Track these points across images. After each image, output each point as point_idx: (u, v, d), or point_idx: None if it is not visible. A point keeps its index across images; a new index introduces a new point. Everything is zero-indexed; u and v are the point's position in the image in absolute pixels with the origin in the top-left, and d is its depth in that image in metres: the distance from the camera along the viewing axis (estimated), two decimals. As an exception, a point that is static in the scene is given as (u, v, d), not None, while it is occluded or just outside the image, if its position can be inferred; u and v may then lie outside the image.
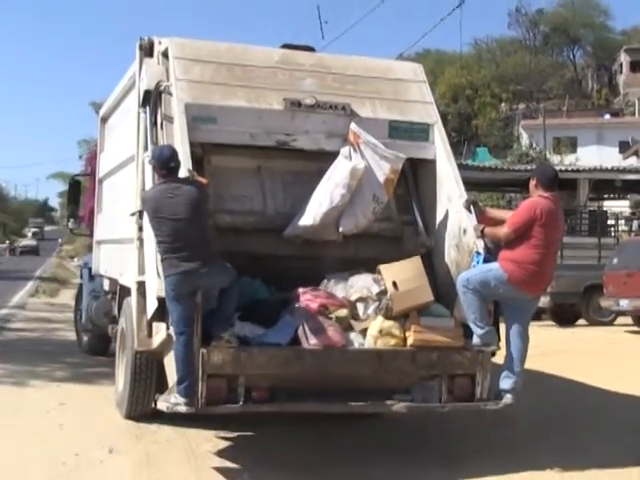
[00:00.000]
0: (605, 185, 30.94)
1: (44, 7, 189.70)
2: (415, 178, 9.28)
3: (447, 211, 8.67)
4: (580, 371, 12.75)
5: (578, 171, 30.12)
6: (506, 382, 7.81)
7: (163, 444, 8.40)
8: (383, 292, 7.83)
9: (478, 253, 7.87)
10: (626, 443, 8.67)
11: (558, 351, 15.37)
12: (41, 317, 21.11)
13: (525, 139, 58.82)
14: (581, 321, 22.07)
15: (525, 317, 8.05)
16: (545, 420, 9.68)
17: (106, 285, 12.11)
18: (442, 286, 8.28)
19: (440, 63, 72.78)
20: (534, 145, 53.28)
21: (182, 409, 7.12)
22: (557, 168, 29.06)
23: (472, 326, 7.70)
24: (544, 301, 21.81)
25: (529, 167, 29.56)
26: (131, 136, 9.16)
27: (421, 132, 9.14)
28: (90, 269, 13.66)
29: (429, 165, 9.10)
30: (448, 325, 7.81)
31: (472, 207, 8.28)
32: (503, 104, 70.01)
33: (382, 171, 8.28)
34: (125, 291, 9.50)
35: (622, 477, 7.56)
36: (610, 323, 21.72)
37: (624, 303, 20.00)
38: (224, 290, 7.44)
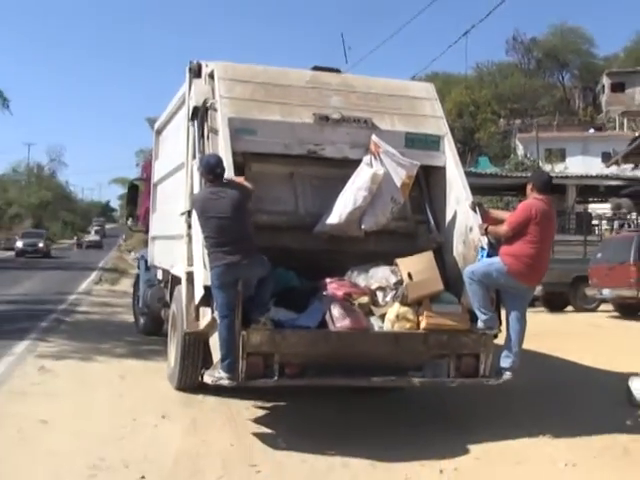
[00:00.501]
0: (590, 190, 30.91)
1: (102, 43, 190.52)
2: (427, 182, 9.29)
3: (455, 211, 8.73)
4: (568, 350, 12.73)
5: (567, 177, 30.00)
6: (506, 361, 7.88)
7: (208, 412, 8.51)
8: (399, 282, 7.89)
9: (482, 248, 7.98)
10: (608, 413, 8.71)
11: (550, 333, 15.31)
12: (104, 302, 21.18)
13: (521, 150, 58.55)
14: (569, 308, 21.95)
15: (523, 304, 8.12)
16: (539, 392, 9.65)
17: (159, 275, 12.18)
18: (451, 277, 8.31)
19: (447, 84, 72.57)
20: (528, 155, 52.96)
21: (225, 383, 7.30)
22: (549, 175, 29.01)
23: (477, 312, 7.80)
24: (537, 290, 21.87)
25: (524, 174, 29.44)
26: (181, 146, 9.28)
27: (433, 142, 9.15)
28: (146, 261, 13.78)
29: (440, 171, 9.13)
30: (456, 311, 7.87)
31: (477, 208, 8.34)
32: (502, 119, 69.78)
33: (399, 176, 8.38)
34: (176, 280, 9.63)
35: (605, 440, 7.62)
36: (594, 309, 21.69)
37: (606, 292, 20.20)
38: (261, 280, 7.48)
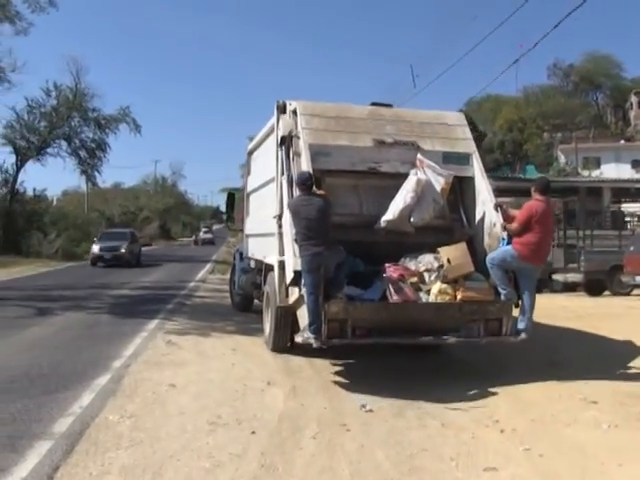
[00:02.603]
0: (623, 192, 30.20)
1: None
2: (460, 189, 9.88)
3: (482, 211, 9.42)
4: (605, 328, 12.29)
5: (602, 181, 29.32)
6: (522, 324, 8.63)
7: (305, 380, 8.63)
8: (441, 265, 8.70)
9: (503, 239, 8.76)
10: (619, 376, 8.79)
11: (590, 314, 14.86)
12: (216, 288, 21.43)
13: (562, 159, 57.51)
14: (606, 292, 21.32)
15: (532, 281, 8.82)
16: (582, 364, 9.46)
17: (252, 264, 13.09)
18: (480, 261, 8.86)
19: (498, 103, 71.88)
20: (568, 163, 52.00)
21: (312, 341, 8.07)
22: (586, 180, 28.29)
23: (499, 288, 8.57)
24: (579, 277, 21.39)
25: (565, 179, 28.87)
26: (271, 165, 10.07)
27: (464, 159, 9.80)
28: (241, 253, 14.76)
29: (470, 180, 9.76)
30: (484, 287, 8.64)
31: (499, 208, 9.05)
32: (545, 133, 68.36)
33: (439, 183, 9.17)
34: (269, 268, 10.42)
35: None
36: (628, 294, 20.99)
37: (639, 279, 19.47)
38: (338, 265, 8.25)
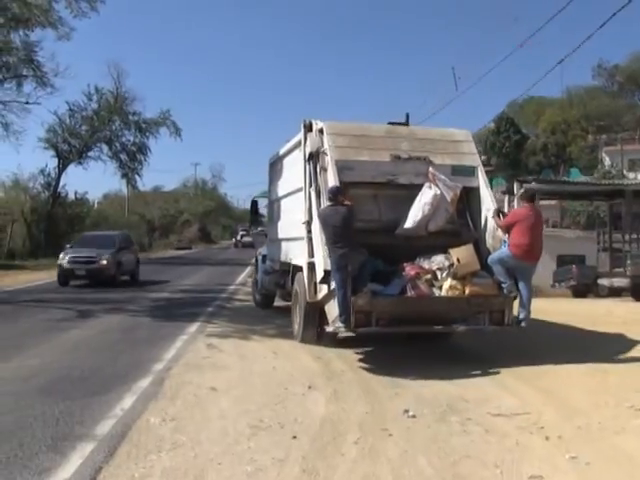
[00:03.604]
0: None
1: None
2: (467, 198, 11.08)
3: (486, 217, 10.75)
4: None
5: (650, 184, 28.69)
6: (521, 315, 10.07)
7: (346, 384, 8.67)
8: (451, 264, 9.99)
9: (505, 241, 10.20)
10: None
11: (636, 320, 14.57)
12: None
13: (607, 161, 56.50)
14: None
15: (528, 277, 10.25)
16: (627, 370, 9.30)
17: (276, 266, 14.27)
18: (485, 260, 10.23)
19: (541, 105, 71.17)
20: (614, 165, 51.21)
21: (342, 330, 9.54)
22: (632, 182, 27.80)
23: (501, 283, 9.98)
24: (625, 282, 21.01)
25: (610, 182, 28.43)
26: (298, 177, 11.49)
27: (470, 171, 11.11)
28: (264, 256, 16.11)
29: (475, 190, 11.07)
30: (489, 282, 10.04)
31: (500, 213, 10.63)
32: (590, 135, 67.29)
33: (449, 195, 10.45)
34: (297, 269, 11.71)
35: None
36: (676, 299, 20.57)
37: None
38: (362, 264, 9.56)
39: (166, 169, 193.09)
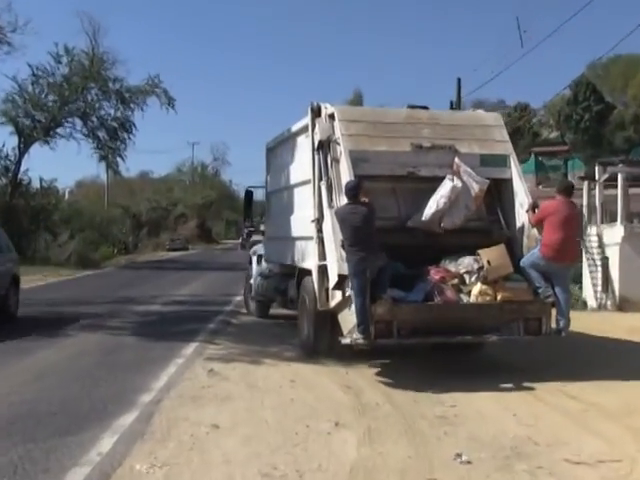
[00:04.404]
0: None
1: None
2: (498, 191, 12.02)
3: (520, 213, 11.62)
4: None
5: None
6: (560, 323, 10.97)
7: (382, 420, 8.79)
8: (481, 267, 10.89)
9: (540, 240, 11.02)
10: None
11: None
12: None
13: None
14: None
15: (564, 280, 11.32)
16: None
17: (276, 268, 15.52)
18: (519, 262, 11.10)
19: (631, 66, 69.85)
20: None
21: (361, 342, 10.22)
22: None
23: (536, 288, 10.86)
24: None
25: None
26: (304, 167, 12.51)
27: (502, 161, 12.02)
28: (259, 256, 17.11)
29: (507, 182, 11.99)
30: (523, 287, 10.98)
31: (536, 209, 11.30)
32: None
33: (473, 190, 11.28)
34: (304, 272, 12.61)
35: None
36: None
37: None
38: (381, 269, 10.46)
39: (156, 150, 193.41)
